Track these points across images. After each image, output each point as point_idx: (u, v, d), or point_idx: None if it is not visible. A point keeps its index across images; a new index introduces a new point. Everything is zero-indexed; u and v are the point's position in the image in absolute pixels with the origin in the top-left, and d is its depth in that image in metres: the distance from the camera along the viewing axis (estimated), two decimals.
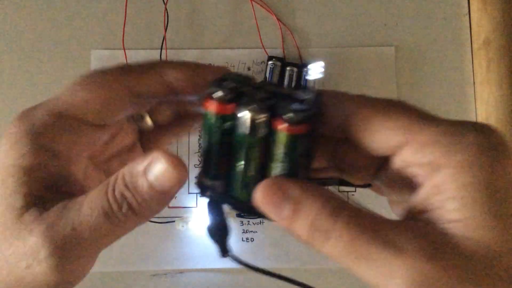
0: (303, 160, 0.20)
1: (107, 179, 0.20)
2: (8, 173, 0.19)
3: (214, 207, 0.22)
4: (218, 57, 0.51)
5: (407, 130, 0.17)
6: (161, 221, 0.48)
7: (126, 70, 0.23)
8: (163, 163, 0.18)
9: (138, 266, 0.47)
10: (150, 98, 0.23)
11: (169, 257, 0.48)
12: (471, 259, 0.16)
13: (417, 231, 0.16)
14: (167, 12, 0.50)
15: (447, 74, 0.51)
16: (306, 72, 0.49)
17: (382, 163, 0.21)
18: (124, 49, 0.49)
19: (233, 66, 0.51)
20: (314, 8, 0.52)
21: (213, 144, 0.20)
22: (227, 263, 0.48)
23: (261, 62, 0.50)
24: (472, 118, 0.50)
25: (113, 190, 0.19)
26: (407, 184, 0.19)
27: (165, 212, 0.48)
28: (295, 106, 0.18)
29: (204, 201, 0.22)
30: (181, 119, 0.28)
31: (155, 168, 0.19)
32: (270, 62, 0.49)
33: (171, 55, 0.50)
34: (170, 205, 0.48)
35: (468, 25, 0.51)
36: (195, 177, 0.21)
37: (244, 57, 0.51)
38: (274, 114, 0.19)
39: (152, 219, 0.47)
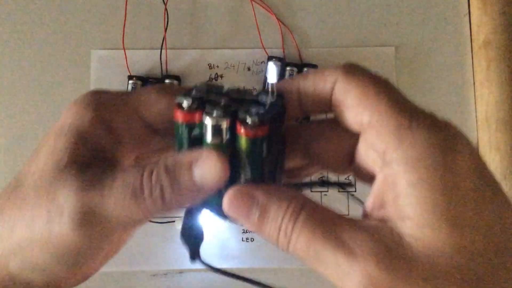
0: (272, 163, 0.20)
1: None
2: (63, 131, 0.20)
3: (190, 213, 0.23)
4: (218, 57, 0.51)
5: (373, 112, 0.18)
6: (161, 221, 0.48)
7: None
8: (213, 161, 0.19)
9: (138, 266, 0.47)
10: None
11: (169, 257, 0.48)
12: (416, 260, 0.16)
13: (370, 231, 0.17)
14: (167, 12, 0.50)
15: (447, 74, 0.51)
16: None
17: (353, 153, 0.21)
18: (124, 49, 0.49)
19: (233, 66, 0.51)
20: (314, 8, 0.52)
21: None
22: (227, 263, 0.48)
23: (261, 62, 0.50)
24: (472, 118, 0.50)
25: (150, 173, 0.19)
26: (370, 173, 0.19)
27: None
28: (253, 109, 0.19)
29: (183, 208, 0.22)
30: None
31: (203, 164, 0.19)
32: (270, 62, 0.49)
33: (171, 55, 0.50)
34: None
35: (468, 25, 0.51)
36: None
37: (244, 57, 0.51)
38: (235, 119, 0.19)
39: (152, 219, 0.47)
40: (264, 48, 0.50)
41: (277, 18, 0.51)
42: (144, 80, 0.49)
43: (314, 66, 0.49)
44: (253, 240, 0.48)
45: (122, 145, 0.22)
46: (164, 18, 0.50)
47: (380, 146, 0.18)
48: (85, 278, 0.24)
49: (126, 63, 0.49)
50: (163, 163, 0.19)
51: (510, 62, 0.48)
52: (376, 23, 0.52)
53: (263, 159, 0.20)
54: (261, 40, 0.50)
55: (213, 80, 0.50)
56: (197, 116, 0.20)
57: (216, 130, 0.19)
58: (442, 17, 0.52)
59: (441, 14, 0.52)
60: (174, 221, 0.48)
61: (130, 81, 0.48)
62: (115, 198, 0.19)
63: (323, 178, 0.37)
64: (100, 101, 0.21)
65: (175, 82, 0.49)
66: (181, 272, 0.48)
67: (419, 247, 0.16)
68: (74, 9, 0.51)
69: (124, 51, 0.49)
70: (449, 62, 0.51)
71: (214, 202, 0.21)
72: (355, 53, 0.51)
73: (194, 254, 0.22)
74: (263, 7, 0.51)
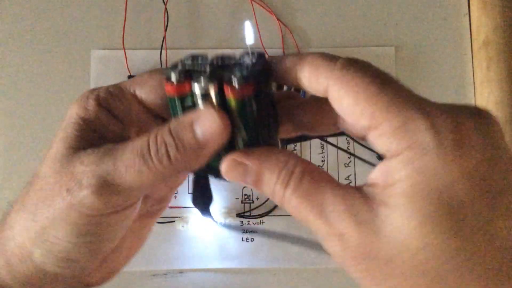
0: (265, 123, 0.21)
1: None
2: (70, 121, 0.22)
3: (199, 180, 0.24)
4: None
5: (370, 119, 0.18)
6: (161, 221, 0.48)
7: None
8: (213, 117, 0.20)
9: (138, 266, 0.47)
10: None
11: (169, 257, 0.48)
12: (385, 251, 0.17)
13: (351, 204, 0.18)
14: (167, 12, 0.50)
15: (447, 74, 0.51)
16: None
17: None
18: (124, 49, 0.49)
19: None
20: (314, 8, 0.52)
21: None
22: (227, 263, 0.48)
23: None
24: None
25: (156, 135, 0.21)
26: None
27: (165, 212, 0.48)
28: (237, 71, 0.20)
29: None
30: None
31: (203, 120, 0.20)
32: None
33: (171, 55, 0.50)
34: (170, 205, 0.48)
35: (468, 25, 0.51)
36: None
37: None
38: (221, 84, 0.20)
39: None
40: (264, 48, 0.50)
41: (277, 18, 0.51)
42: None
43: None
44: (253, 240, 0.48)
45: (127, 129, 0.23)
46: (164, 18, 0.50)
47: (380, 147, 0.18)
48: (110, 273, 0.25)
49: (126, 63, 0.49)
50: (167, 126, 0.21)
51: (510, 62, 0.48)
52: (376, 23, 0.52)
53: (255, 118, 0.20)
54: (261, 40, 0.50)
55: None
56: (186, 87, 0.21)
57: (206, 96, 0.20)
58: (442, 17, 0.52)
59: (441, 14, 0.52)
60: (174, 221, 0.48)
61: None
62: (125, 162, 0.20)
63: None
64: (99, 94, 0.23)
65: None
66: (181, 272, 0.48)
67: (392, 231, 0.17)
68: (74, 9, 0.51)
69: (124, 51, 0.49)
70: (449, 62, 0.51)
71: (214, 166, 0.22)
72: (355, 53, 0.51)
73: (205, 213, 0.24)
74: (263, 7, 0.51)
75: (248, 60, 0.21)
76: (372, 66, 0.19)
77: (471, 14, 0.51)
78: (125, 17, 0.50)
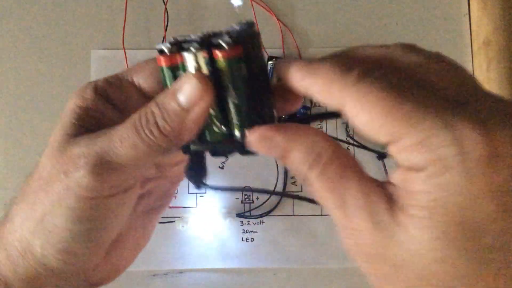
0: (256, 88, 0.21)
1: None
2: (68, 112, 0.23)
3: (195, 156, 0.24)
4: None
5: (391, 133, 0.17)
6: (161, 221, 0.48)
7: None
8: (192, 80, 0.20)
9: (138, 266, 0.47)
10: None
11: (169, 257, 0.48)
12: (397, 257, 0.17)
13: (373, 202, 0.17)
14: (167, 12, 0.50)
15: None
16: None
17: None
18: (124, 49, 0.49)
19: None
20: (314, 8, 0.52)
21: None
22: (227, 263, 0.48)
23: None
24: None
25: (145, 108, 0.21)
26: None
27: (165, 212, 0.48)
28: (225, 34, 0.20)
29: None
30: None
31: (184, 86, 0.20)
32: (270, 62, 0.49)
33: None
34: (170, 205, 0.48)
35: (468, 25, 0.51)
36: None
37: None
38: (211, 49, 0.20)
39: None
40: (264, 48, 0.50)
41: (277, 18, 0.51)
42: None
43: None
44: (253, 240, 0.48)
45: (123, 115, 0.23)
46: (164, 18, 0.50)
47: (401, 162, 0.17)
48: (115, 272, 0.25)
49: (126, 63, 0.49)
50: (154, 100, 0.21)
51: (510, 62, 0.48)
52: (376, 23, 0.52)
53: (246, 81, 0.21)
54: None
55: None
56: (178, 58, 0.21)
57: (197, 63, 0.21)
58: (442, 17, 0.52)
59: (441, 14, 0.52)
60: (174, 221, 0.48)
61: None
62: (120, 136, 0.21)
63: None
64: (97, 83, 0.23)
65: None
66: (181, 272, 0.48)
67: (406, 236, 0.16)
68: (74, 9, 0.51)
69: (124, 51, 0.49)
70: None
71: (209, 139, 0.22)
72: None
73: (199, 184, 0.24)
74: (263, 7, 0.51)
75: (237, 28, 0.21)
76: (393, 73, 0.18)
77: (471, 14, 0.51)
78: (125, 17, 0.50)
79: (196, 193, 0.49)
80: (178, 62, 0.21)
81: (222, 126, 0.21)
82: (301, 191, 0.49)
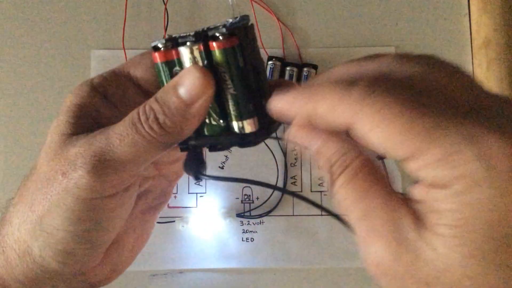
0: (252, 80, 0.21)
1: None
2: (64, 110, 0.22)
3: (194, 150, 0.24)
4: None
5: (410, 149, 0.16)
6: (161, 221, 0.48)
7: None
8: (194, 73, 0.20)
9: (138, 266, 0.47)
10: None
11: (169, 257, 0.48)
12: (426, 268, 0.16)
13: (397, 218, 0.17)
14: (167, 12, 0.50)
15: None
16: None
17: None
18: (124, 49, 0.49)
19: None
20: (314, 8, 0.52)
21: None
22: (227, 263, 0.48)
23: None
24: None
25: (144, 105, 0.21)
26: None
27: (165, 212, 0.48)
28: (220, 27, 0.21)
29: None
30: None
31: (185, 79, 0.20)
32: (270, 62, 0.49)
33: None
34: (170, 205, 0.48)
35: (468, 25, 0.51)
36: None
37: None
38: (207, 42, 0.21)
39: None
40: (264, 48, 0.50)
41: (277, 18, 0.51)
42: None
43: (314, 66, 0.49)
44: (253, 240, 0.48)
45: (122, 115, 0.23)
46: (164, 18, 0.50)
47: (422, 178, 0.17)
48: (115, 272, 0.25)
49: None
50: (153, 97, 0.21)
51: (510, 62, 0.48)
52: (376, 23, 0.52)
53: (242, 71, 0.21)
54: (261, 40, 0.50)
55: None
56: (173, 53, 0.21)
57: (193, 57, 0.21)
58: (442, 17, 0.52)
59: (441, 14, 0.52)
60: (174, 221, 0.48)
61: None
62: (118, 135, 0.20)
63: None
64: (93, 80, 0.23)
65: None
66: (181, 272, 0.48)
67: (434, 256, 0.16)
68: (74, 9, 0.51)
69: (124, 51, 0.49)
70: None
71: (210, 133, 0.22)
72: (355, 53, 0.51)
73: (198, 175, 0.24)
74: (263, 7, 0.51)
75: (231, 20, 0.21)
76: (401, 86, 0.17)
77: (471, 14, 0.51)
78: (125, 17, 0.50)
79: (196, 193, 0.49)
80: (173, 57, 0.21)
81: (220, 120, 0.21)
82: (301, 191, 0.49)
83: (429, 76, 0.18)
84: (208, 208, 0.48)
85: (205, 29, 0.21)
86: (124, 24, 0.49)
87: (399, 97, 0.16)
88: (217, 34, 0.20)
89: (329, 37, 0.51)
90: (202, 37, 0.21)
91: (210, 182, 0.49)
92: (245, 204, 0.49)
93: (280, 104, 0.20)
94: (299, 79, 0.49)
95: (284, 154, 0.49)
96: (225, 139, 0.22)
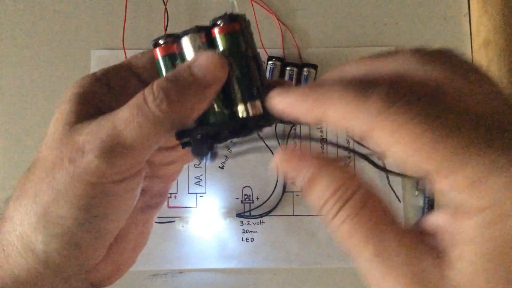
0: (253, 63, 0.22)
1: None
2: (66, 100, 0.22)
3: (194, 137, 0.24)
4: None
5: (438, 167, 0.15)
6: (161, 221, 0.48)
7: None
8: (210, 54, 0.20)
9: (138, 266, 0.47)
10: None
11: (169, 257, 0.48)
12: None
13: (417, 259, 0.16)
14: (167, 12, 0.50)
15: None
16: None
17: None
18: (124, 49, 0.49)
19: None
20: (314, 8, 0.52)
21: None
22: (227, 263, 0.48)
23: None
24: None
25: (151, 86, 0.20)
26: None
27: (165, 212, 0.48)
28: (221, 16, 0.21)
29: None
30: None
31: (201, 58, 0.20)
32: (270, 62, 0.49)
33: None
34: (170, 205, 0.48)
35: (468, 25, 0.51)
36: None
37: None
38: (209, 31, 0.21)
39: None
40: (264, 48, 0.50)
41: (277, 18, 0.51)
42: None
43: (314, 66, 0.49)
44: (253, 240, 0.48)
45: (122, 100, 0.22)
46: (164, 18, 0.50)
47: (449, 200, 0.16)
48: (116, 271, 0.24)
49: None
50: (164, 77, 0.21)
51: (510, 62, 0.48)
52: (376, 23, 0.52)
53: (244, 55, 0.21)
54: (261, 40, 0.50)
55: None
56: (174, 47, 0.22)
57: (196, 46, 0.21)
58: (442, 17, 0.52)
59: (441, 14, 0.52)
60: (174, 221, 0.48)
61: None
62: (124, 119, 0.20)
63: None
64: (96, 72, 0.23)
65: None
66: (181, 272, 0.48)
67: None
68: (74, 9, 0.51)
69: (124, 51, 0.49)
70: None
71: (212, 121, 0.22)
72: (355, 53, 0.51)
73: (212, 149, 0.23)
74: (263, 7, 0.51)
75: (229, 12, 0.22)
76: (425, 96, 0.16)
77: (471, 14, 0.51)
78: (125, 17, 0.50)
79: (196, 193, 0.49)
80: (175, 51, 0.22)
81: (224, 108, 0.21)
82: (301, 191, 0.49)
83: (453, 84, 0.16)
84: (208, 208, 0.48)
85: (204, 25, 0.22)
86: (124, 24, 0.49)
87: (422, 112, 0.15)
88: (219, 22, 0.21)
89: (329, 37, 0.51)
90: (204, 29, 0.21)
91: (210, 182, 0.49)
92: (245, 204, 0.49)
93: (286, 102, 0.18)
94: (299, 79, 0.49)
95: None
96: (230, 125, 0.22)
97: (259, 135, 0.23)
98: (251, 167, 0.49)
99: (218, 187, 0.49)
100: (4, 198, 0.23)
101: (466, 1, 0.51)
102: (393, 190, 0.48)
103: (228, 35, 0.21)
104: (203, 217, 0.48)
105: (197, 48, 0.21)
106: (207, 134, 0.22)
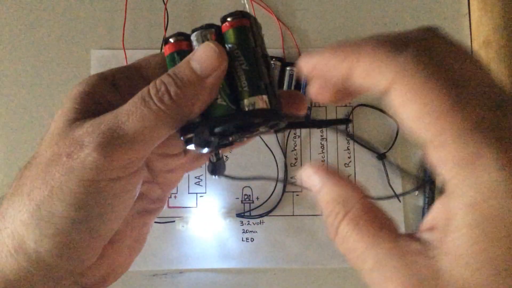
0: (261, 59, 0.22)
1: None
2: (71, 97, 0.22)
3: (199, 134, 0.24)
4: None
5: (437, 137, 0.15)
6: (161, 221, 0.48)
7: None
8: (208, 46, 0.20)
9: (138, 266, 0.47)
10: None
11: (169, 257, 0.48)
12: None
13: (407, 259, 0.16)
14: (167, 12, 0.50)
15: None
16: None
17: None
18: (124, 49, 0.49)
19: None
20: (314, 8, 0.52)
21: None
22: (227, 263, 0.48)
23: None
24: None
25: (155, 81, 0.20)
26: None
27: (165, 212, 0.48)
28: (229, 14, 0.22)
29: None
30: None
31: (199, 54, 0.20)
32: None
33: None
34: (170, 205, 0.48)
35: (468, 25, 0.51)
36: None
37: None
38: (219, 28, 0.22)
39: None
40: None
41: (277, 18, 0.51)
42: None
43: None
44: (253, 240, 0.48)
45: (128, 100, 0.22)
46: (164, 18, 0.50)
47: (439, 171, 0.16)
48: (109, 276, 0.24)
49: (126, 63, 0.49)
50: (165, 73, 0.21)
51: (510, 62, 0.48)
52: (376, 23, 0.52)
53: (253, 49, 0.21)
54: None
55: None
56: (184, 44, 0.22)
57: (205, 39, 0.21)
58: (442, 17, 0.52)
59: (441, 14, 0.52)
60: (174, 221, 0.48)
61: None
62: (127, 111, 0.20)
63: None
64: (103, 72, 0.23)
65: None
66: (181, 272, 0.48)
67: (457, 285, 0.15)
68: (74, 9, 0.51)
69: (124, 51, 0.49)
70: None
71: (219, 114, 0.22)
72: None
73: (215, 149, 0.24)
74: (263, 7, 0.51)
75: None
76: (450, 66, 0.16)
77: (471, 14, 0.51)
78: (125, 17, 0.50)
79: (196, 193, 0.49)
80: (185, 48, 0.22)
81: (230, 102, 0.21)
82: (301, 191, 0.49)
83: (466, 66, 0.16)
84: (208, 208, 0.48)
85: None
86: (124, 24, 0.49)
87: (447, 80, 0.15)
88: (229, 18, 0.22)
89: (329, 37, 0.51)
90: (214, 25, 0.22)
91: (210, 182, 0.49)
92: (245, 204, 0.49)
93: (315, 59, 0.18)
94: (298, 79, 0.49)
95: (284, 154, 0.49)
96: (235, 118, 0.21)
97: (260, 137, 0.23)
98: (251, 167, 0.49)
99: (218, 187, 0.49)
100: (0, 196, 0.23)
101: (466, 1, 0.51)
102: (393, 190, 0.48)
103: (237, 29, 0.21)
104: (203, 217, 0.48)
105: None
106: (211, 127, 0.21)
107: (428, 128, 0.15)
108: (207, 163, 0.26)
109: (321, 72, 0.18)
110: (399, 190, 0.48)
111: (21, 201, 0.20)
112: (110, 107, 0.21)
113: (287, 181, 0.49)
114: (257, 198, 0.49)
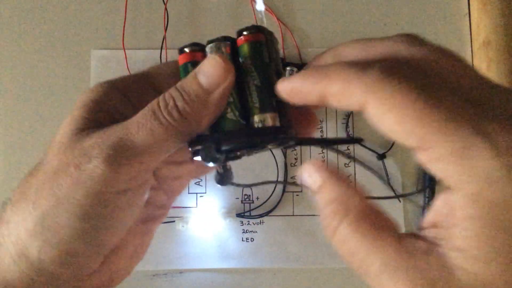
0: (274, 72, 0.22)
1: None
2: (80, 105, 0.22)
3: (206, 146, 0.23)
4: None
5: (422, 139, 0.15)
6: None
7: None
8: (214, 60, 0.20)
9: (138, 266, 0.47)
10: None
11: (169, 257, 0.48)
12: None
13: (416, 259, 0.16)
14: (167, 12, 0.50)
15: None
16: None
17: None
18: (124, 49, 0.49)
19: None
20: (314, 8, 0.52)
21: None
22: (227, 263, 0.48)
23: None
24: None
25: (164, 94, 0.20)
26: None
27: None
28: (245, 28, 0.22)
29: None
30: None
31: (205, 67, 0.20)
32: None
33: (171, 55, 0.50)
34: None
35: (468, 25, 0.51)
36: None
37: None
38: (234, 41, 0.22)
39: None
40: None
41: (277, 18, 0.51)
42: None
43: None
44: (253, 240, 0.48)
45: (138, 111, 0.22)
46: (164, 18, 0.50)
47: (435, 172, 0.16)
48: (110, 281, 0.24)
49: (126, 63, 0.49)
50: (173, 86, 0.21)
51: (510, 62, 0.48)
52: (376, 23, 0.52)
53: (268, 66, 0.21)
54: None
55: None
56: (198, 55, 0.22)
57: (220, 51, 0.21)
58: (442, 17, 0.52)
59: (441, 14, 0.52)
60: (174, 221, 0.48)
61: None
62: (136, 123, 0.20)
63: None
64: (114, 79, 0.23)
65: None
66: (181, 272, 0.48)
67: (469, 280, 0.15)
68: (74, 9, 0.51)
69: (124, 51, 0.49)
70: None
71: (226, 128, 0.22)
72: None
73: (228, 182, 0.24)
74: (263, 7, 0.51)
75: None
76: (417, 72, 0.16)
77: (471, 14, 0.51)
78: (125, 17, 0.50)
79: (196, 193, 0.49)
80: (199, 59, 0.22)
81: (240, 117, 0.21)
82: (301, 191, 0.49)
83: (442, 63, 0.17)
84: (208, 208, 0.48)
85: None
86: (124, 24, 0.49)
87: (414, 84, 0.16)
88: (245, 32, 0.21)
89: (329, 37, 0.51)
90: (230, 38, 0.22)
91: (210, 182, 0.49)
92: (245, 204, 0.49)
93: (291, 83, 0.19)
94: None
95: (284, 154, 0.49)
96: (244, 133, 0.21)
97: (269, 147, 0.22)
98: (251, 168, 0.49)
99: (218, 187, 0.49)
100: (2, 200, 0.22)
101: (466, 1, 0.51)
102: (393, 190, 0.48)
103: (252, 44, 0.21)
104: (203, 217, 0.48)
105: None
106: (220, 141, 0.21)
107: (411, 135, 0.16)
108: (214, 172, 0.26)
109: (298, 96, 0.19)
110: (399, 190, 0.48)
111: (26, 209, 0.20)
112: (119, 116, 0.21)
113: (287, 181, 0.49)
114: (257, 198, 0.49)
